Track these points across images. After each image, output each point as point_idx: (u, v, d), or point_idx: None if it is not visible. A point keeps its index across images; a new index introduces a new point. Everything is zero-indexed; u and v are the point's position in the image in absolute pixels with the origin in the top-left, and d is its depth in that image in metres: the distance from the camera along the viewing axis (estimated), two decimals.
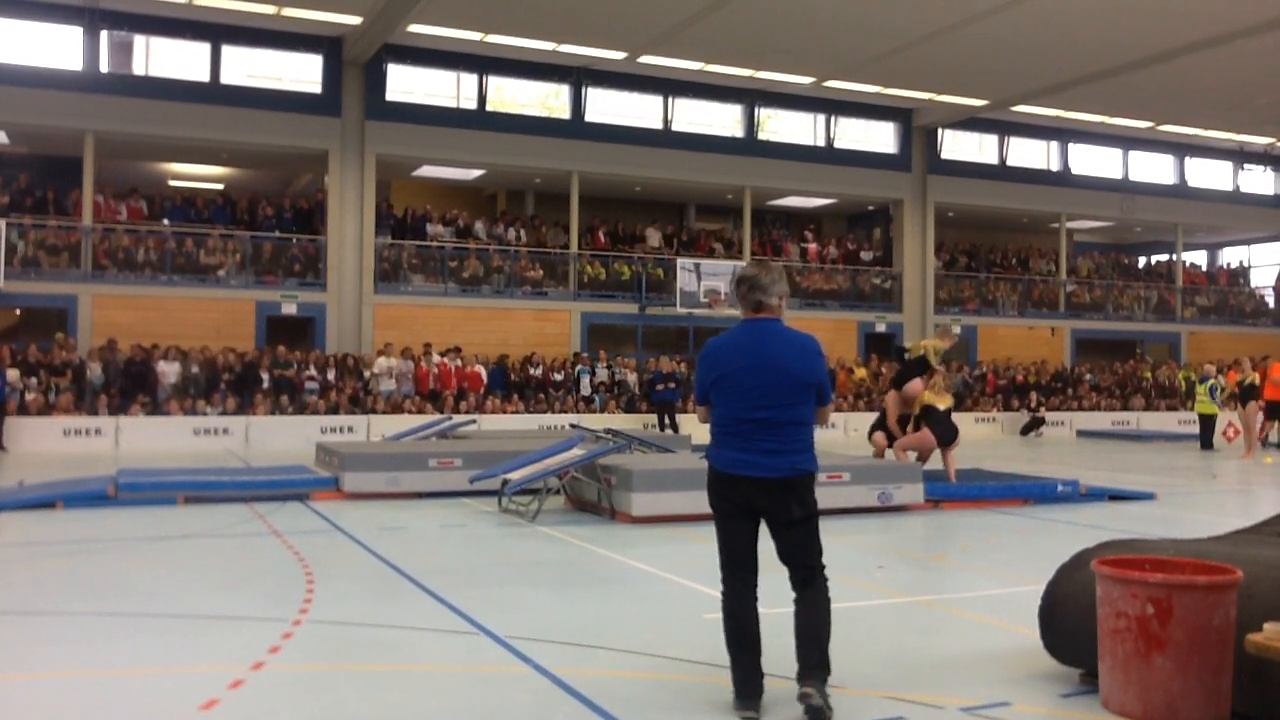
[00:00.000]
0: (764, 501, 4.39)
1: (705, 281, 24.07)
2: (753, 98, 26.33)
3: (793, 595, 4.46)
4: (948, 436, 11.66)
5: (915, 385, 11.74)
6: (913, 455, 11.70)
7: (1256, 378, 19.15)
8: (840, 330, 26.21)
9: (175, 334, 20.34)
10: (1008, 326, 28.84)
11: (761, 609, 4.47)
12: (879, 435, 12.33)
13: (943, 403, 11.65)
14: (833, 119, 27.53)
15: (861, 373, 25.13)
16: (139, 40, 22.24)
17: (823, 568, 4.47)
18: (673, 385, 21.39)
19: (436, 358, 21.46)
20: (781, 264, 25.48)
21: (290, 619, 5.92)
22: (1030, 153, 30.42)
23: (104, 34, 21.31)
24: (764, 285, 4.49)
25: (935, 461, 11.98)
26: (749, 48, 22.55)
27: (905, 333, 27.51)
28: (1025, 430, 24.58)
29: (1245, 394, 19.01)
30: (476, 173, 25.76)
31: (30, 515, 9.86)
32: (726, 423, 4.46)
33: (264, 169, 26.09)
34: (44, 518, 9.79)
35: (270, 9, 20.47)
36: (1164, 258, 35.67)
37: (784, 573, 4.50)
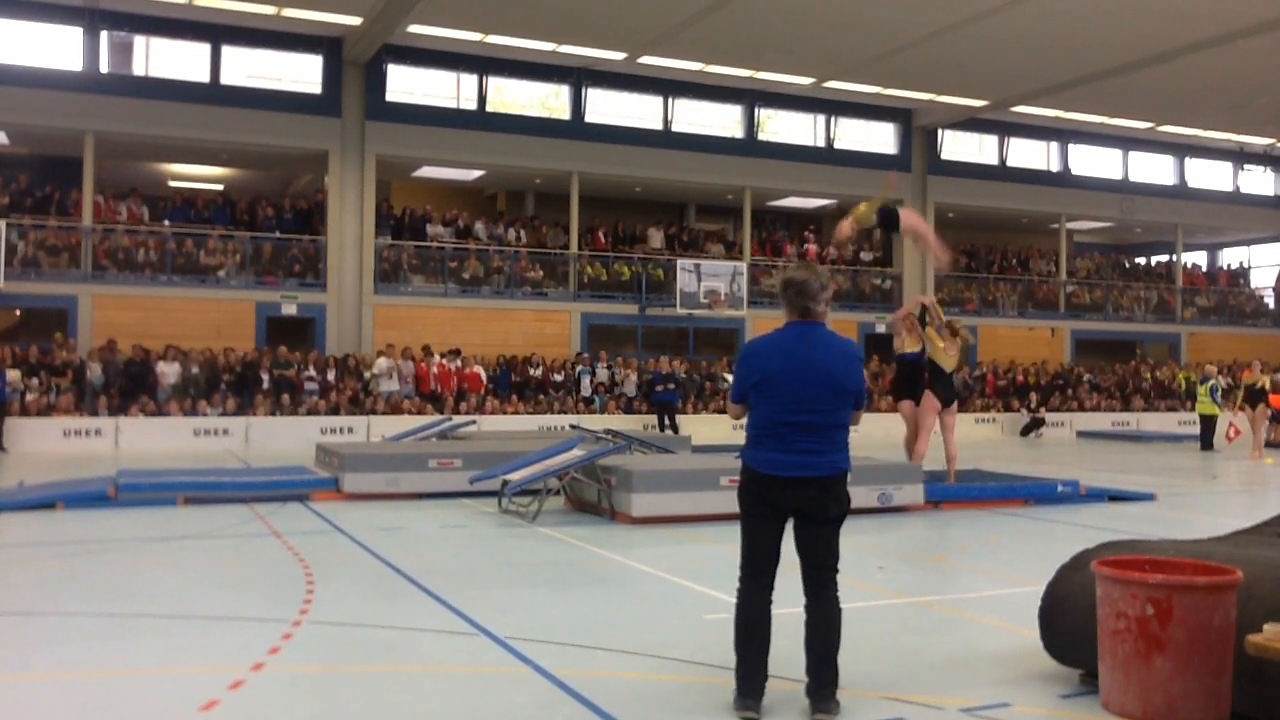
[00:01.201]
0: (803, 502, 4.41)
1: (705, 282, 24.07)
2: (752, 98, 26.35)
3: (804, 601, 4.46)
4: (948, 398, 11.57)
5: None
6: (923, 448, 11.62)
7: (1266, 381, 19.19)
8: (840, 331, 25.89)
9: (175, 334, 20.34)
10: (1008, 327, 28.84)
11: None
12: (907, 404, 12.10)
13: (949, 364, 11.55)
14: (833, 119, 27.54)
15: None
16: (139, 40, 22.25)
17: (837, 571, 4.49)
18: (672, 386, 21.38)
19: (437, 358, 21.46)
20: (781, 265, 25.62)
21: (290, 620, 5.92)
22: (1030, 153, 30.43)
23: (104, 34, 21.32)
24: (813, 291, 4.50)
25: (935, 462, 11.96)
26: (749, 48, 22.55)
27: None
28: (1025, 431, 24.59)
29: (1255, 396, 19.06)
30: (476, 173, 25.76)
31: (30, 516, 9.86)
32: (766, 424, 4.46)
33: (264, 169, 26.10)
34: (44, 518, 9.79)
35: (270, 9, 20.47)
36: (1164, 258, 35.68)
37: (791, 574, 4.50)
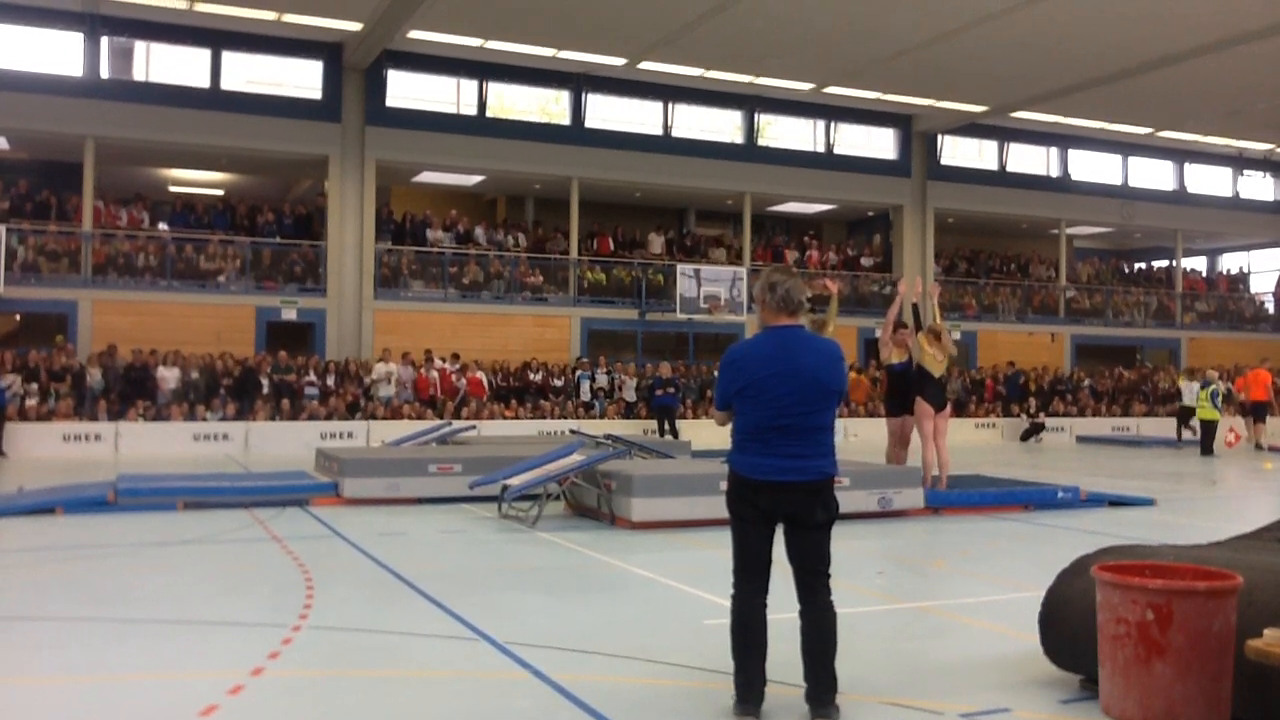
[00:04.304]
0: (790, 506, 4.40)
1: (705, 287, 24.07)
2: (752, 103, 26.38)
3: (798, 607, 4.45)
4: (939, 403, 11.52)
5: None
6: (930, 455, 11.53)
7: None
8: (839, 336, 26.09)
9: (175, 339, 20.34)
10: (1007, 332, 28.84)
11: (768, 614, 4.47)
12: (895, 421, 12.08)
13: (938, 368, 11.49)
14: (832, 125, 27.57)
15: (861, 379, 25.10)
16: (139, 46, 22.26)
17: (829, 576, 4.48)
18: (672, 390, 21.37)
19: (438, 363, 21.47)
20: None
21: (290, 625, 5.91)
22: (1030, 159, 30.45)
23: (105, 40, 21.36)
24: (792, 292, 4.50)
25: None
26: (749, 53, 22.59)
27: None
28: (1025, 436, 24.58)
29: None
30: (476, 178, 25.78)
31: (30, 521, 9.85)
32: (752, 429, 4.46)
33: (264, 174, 26.12)
34: (44, 523, 9.78)
35: (270, 15, 20.50)
36: (1164, 263, 35.68)
37: (788, 577, 4.50)
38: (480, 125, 24.04)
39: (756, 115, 26.68)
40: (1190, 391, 23.34)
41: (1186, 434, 22.52)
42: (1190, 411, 23.37)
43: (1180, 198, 32.26)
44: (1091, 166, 31.06)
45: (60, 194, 22.26)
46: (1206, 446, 20.06)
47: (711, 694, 4.63)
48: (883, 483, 10.59)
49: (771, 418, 4.40)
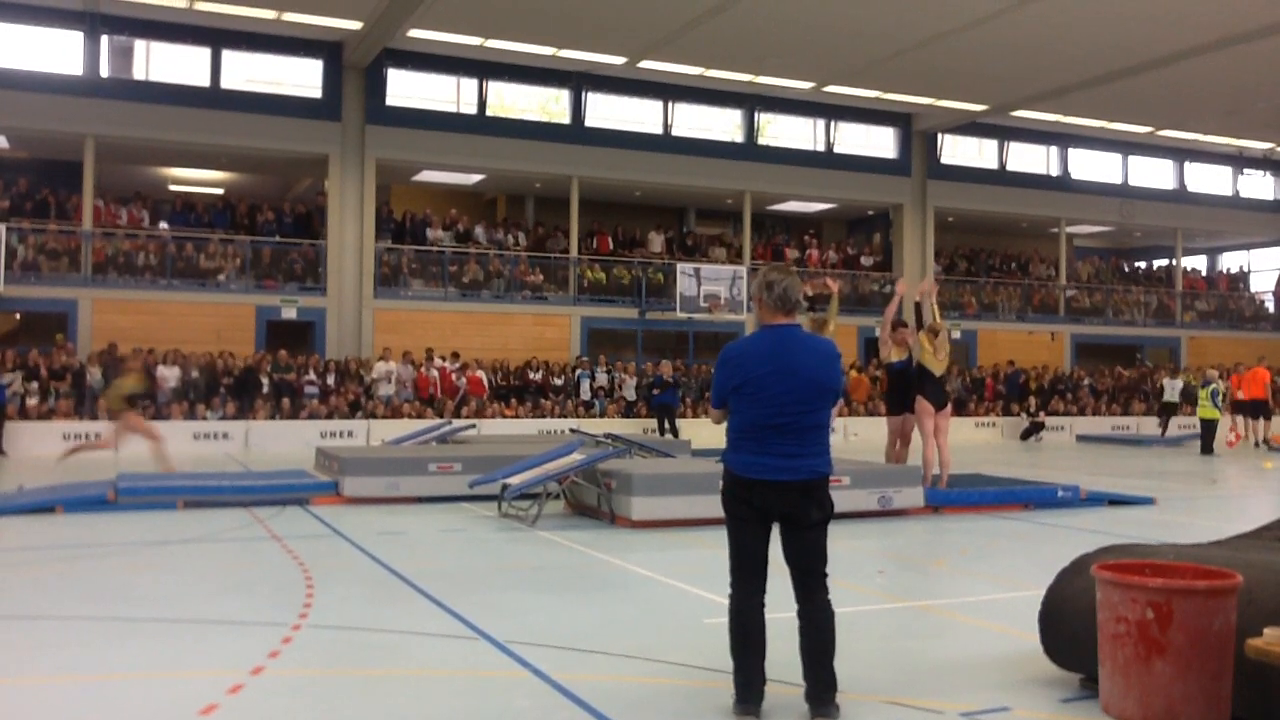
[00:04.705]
0: (784, 505, 4.40)
1: (705, 286, 24.06)
2: (752, 102, 26.38)
3: (796, 606, 4.45)
4: (940, 401, 11.52)
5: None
6: (931, 454, 11.49)
7: None
8: (839, 335, 26.09)
9: (175, 338, 20.34)
10: (1007, 331, 28.84)
11: (767, 613, 4.47)
12: (895, 419, 12.12)
13: (938, 367, 11.47)
14: (832, 124, 27.56)
15: (861, 378, 25.09)
16: (139, 45, 22.26)
17: (827, 575, 4.48)
18: (671, 386, 21.35)
19: (438, 362, 21.47)
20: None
21: (290, 624, 5.91)
22: (1030, 158, 30.45)
23: (105, 38, 21.35)
24: (789, 290, 4.51)
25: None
26: (749, 53, 22.58)
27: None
28: (1025, 435, 24.58)
29: None
30: (476, 177, 25.78)
31: (30, 520, 9.85)
32: (748, 428, 4.46)
33: (264, 173, 26.12)
34: (43, 522, 9.78)
35: (270, 14, 20.50)
36: (1164, 262, 35.69)
37: (787, 576, 4.49)
38: (480, 124, 24.04)
39: (756, 114, 26.68)
40: (1172, 389, 23.48)
41: (1193, 430, 22.54)
42: (1172, 408, 23.49)
43: (1180, 196, 32.25)
44: (1091, 165, 31.06)
45: (60, 193, 22.27)
46: (1206, 445, 20.06)
47: (711, 693, 4.63)
48: (883, 482, 10.59)
49: (769, 416, 4.40)
